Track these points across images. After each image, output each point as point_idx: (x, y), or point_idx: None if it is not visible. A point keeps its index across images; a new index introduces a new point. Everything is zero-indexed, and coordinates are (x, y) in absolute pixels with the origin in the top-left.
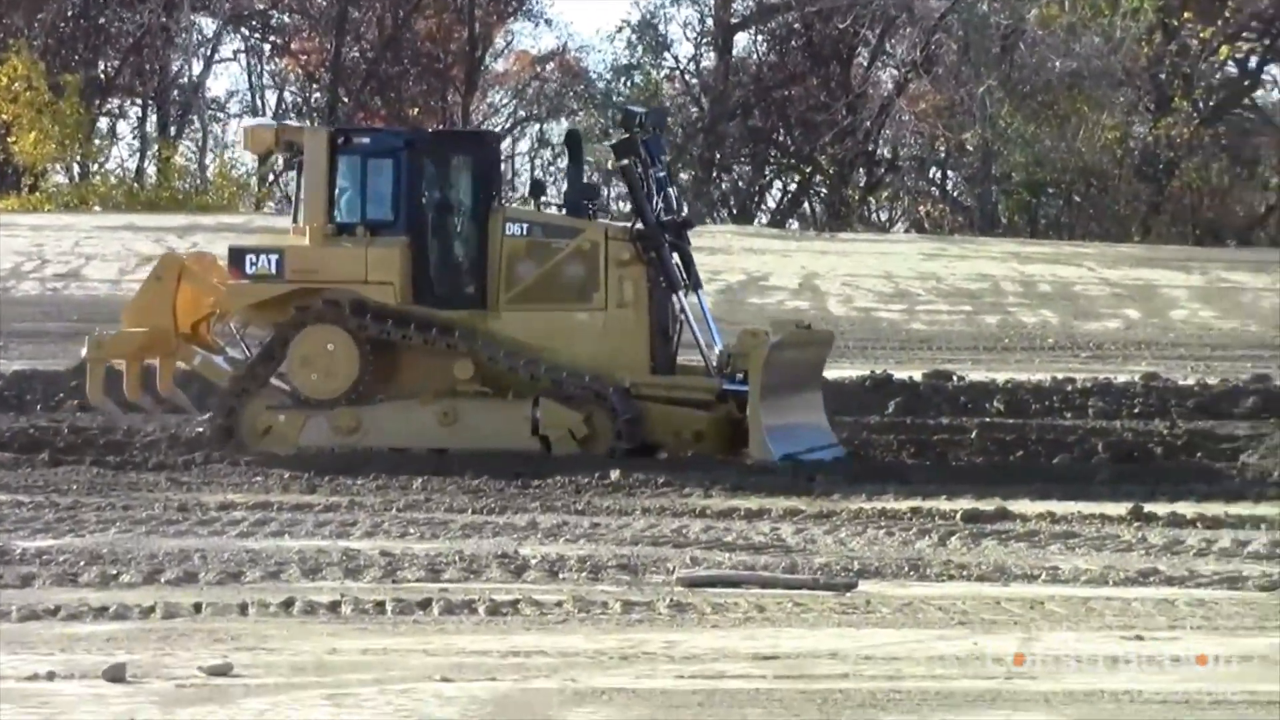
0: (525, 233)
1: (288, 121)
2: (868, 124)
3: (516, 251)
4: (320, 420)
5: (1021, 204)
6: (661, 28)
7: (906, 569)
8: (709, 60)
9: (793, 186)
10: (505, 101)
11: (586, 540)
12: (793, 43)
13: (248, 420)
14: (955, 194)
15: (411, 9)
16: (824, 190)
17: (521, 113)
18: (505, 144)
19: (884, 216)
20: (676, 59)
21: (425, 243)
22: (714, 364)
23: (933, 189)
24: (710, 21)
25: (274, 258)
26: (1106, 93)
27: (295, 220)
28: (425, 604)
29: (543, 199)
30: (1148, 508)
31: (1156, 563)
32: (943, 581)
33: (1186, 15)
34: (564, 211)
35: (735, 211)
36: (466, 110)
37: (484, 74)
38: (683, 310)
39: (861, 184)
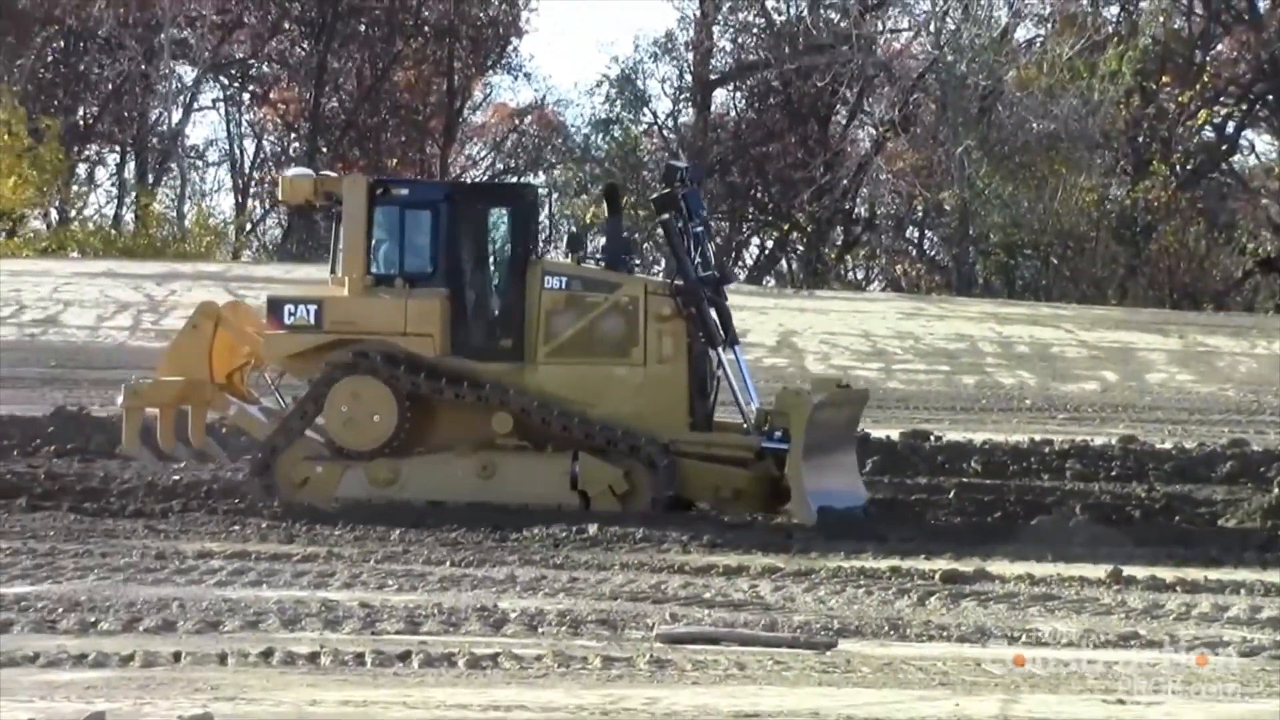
0: (564, 286)
1: (326, 173)
2: (845, 182)
3: (555, 305)
4: (358, 472)
5: (999, 265)
6: (641, 83)
7: (886, 629)
8: (687, 116)
9: (770, 243)
10: (484, 154)
11: (565, 594)
12: (771, 100)
13: (284, 471)
14: (932, 254)
15: (390, 61)
16: (801, 248)
17: (499, 165)
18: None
19: (860, 275)
20: (655, 114)
21: (464, 295)
22: (752, 421)
23: (910, 248)
24: (689, 78)
25: (313, 308)
26: (1084, 155)
27: (332, 271)
28: (405, 656)
29: (580, 253)
30: (1127, 570)
31: (1137, 626)
32: (923, 642)
33: (1164, 79)
34: (602, 265)
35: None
36: (444, 162)
37: (462, 126)
38: (721, 366)
39: (839, 242)
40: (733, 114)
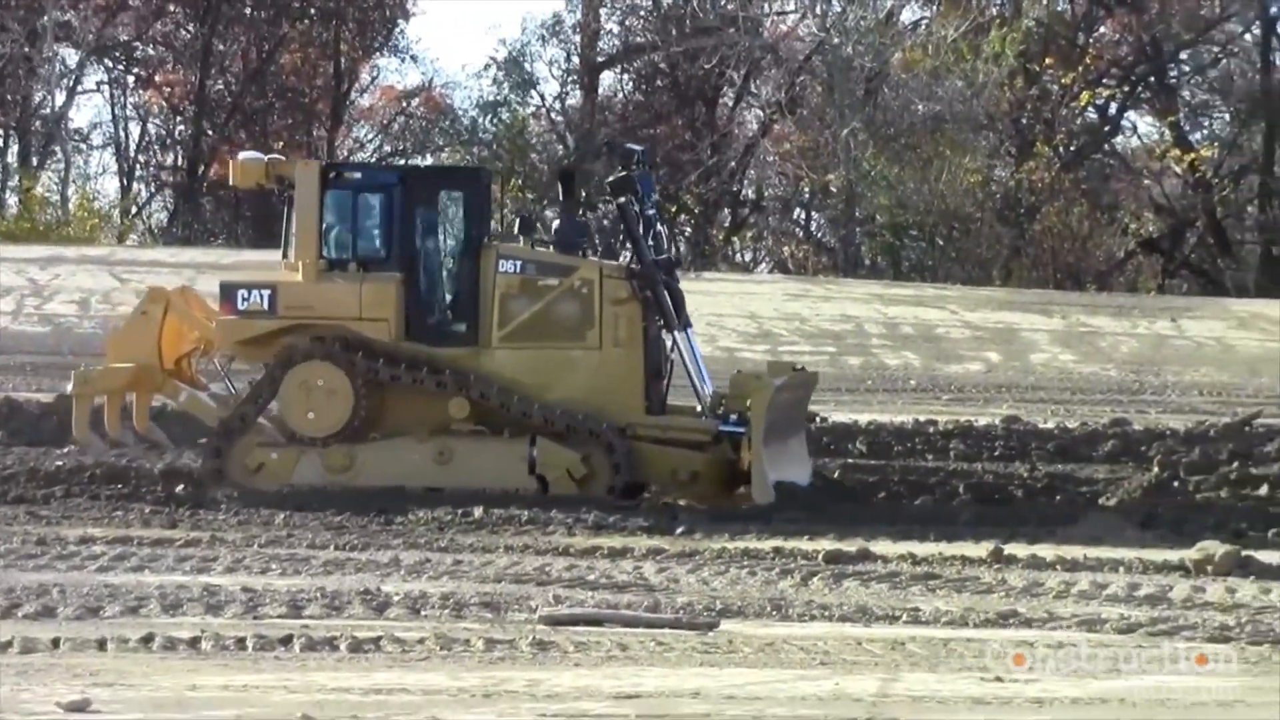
0: (519, 270)
1: (278, 156)
2: (732, 164)
3: (510, 289)
4: (313, 458)
5: (885, 246)
6: (528, 65)
7: (769, 609)
8: (575, 98)
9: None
10: (371, 137)
11: (449, 577)
12: (658, 82)
13: (238, 458)
14: (819, 235)
15: (277, 43)
16: (689, 230)
17: (387, 148)
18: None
19: (748, 257)
20: (543, 96)
21: (418, 279)
22: (707, 405)
23: (797, 230)
24: (577, 60)
25: (266, 293)
26: (969, 137)
27: (285, 255)
28: (286, 640)
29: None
30: (1008, 550)
31: (1016, 604)
32: (805, 622)
33: (1048, 61)
34: (556, 249)
35: (600, 249)
36: (331, 145)
37: (349, 109)
38: (676, 349)
39: (726, 224)
40: (620, 96)
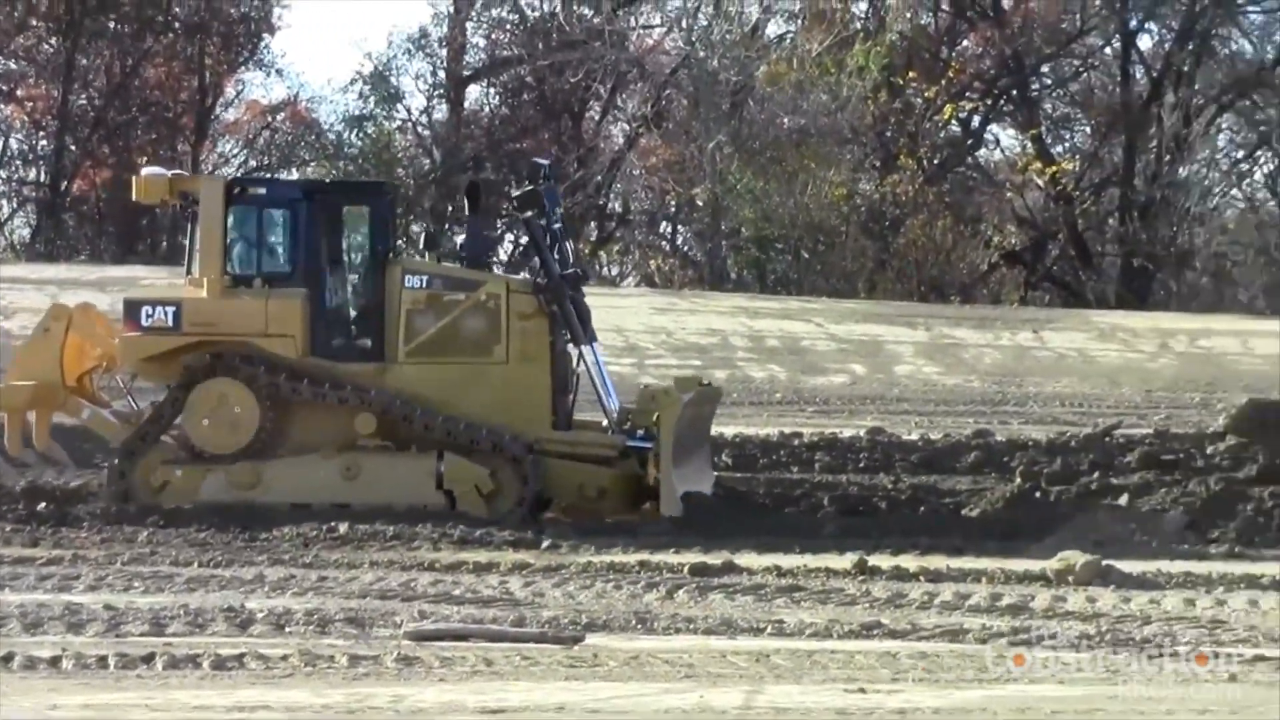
0: (425, 285)
1: (181, 172)
2: (599, 178)
3: (416, 304)
4: (219, 475)
5: (751, 259)
6: (394, 79)
7: (634, 622)
8: (441, 112)
9: (524, 240)
10: (236, 151)
11: (314, 593)
12: (525, 96)
13: (143, 476)
14: (685, 249)
15: (140, 57)
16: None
17: (253, 162)
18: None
19: (615, 270)
20: (409, 110)
21: (324, 295)
22: (614, 419)
23: (663, 243)
24: (443, 74)
25: (171, 310)
26: (833, 150)
27: (188, 271)
28: (149, 658)
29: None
30: (872, 561)
31: (880, 616)
32: (670, 635)
33: (911, 74)
34: (463, 264)
35: (467, 263)
36: (196, 159)
37: (214, 123)
38: (581, 362)
39: (593, 238)
40: (486, 110)
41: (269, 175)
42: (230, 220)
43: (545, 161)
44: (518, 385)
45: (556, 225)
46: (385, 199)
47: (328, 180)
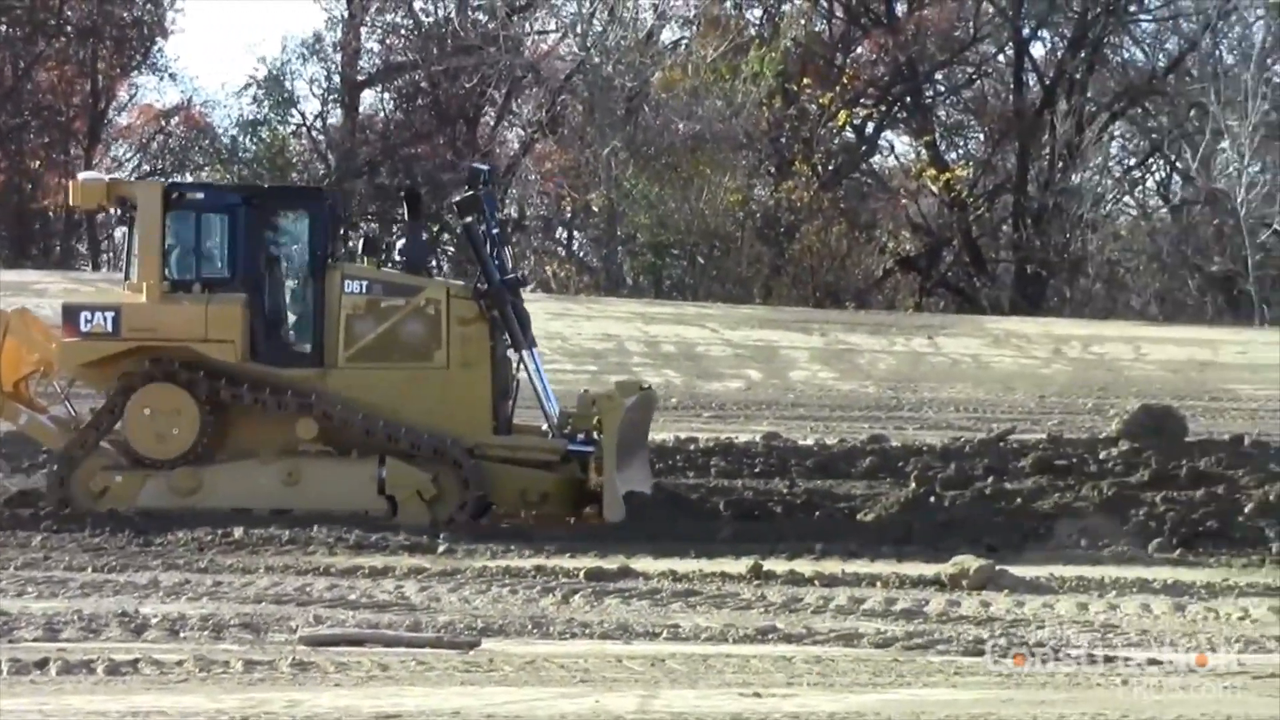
0: (365, 290)
1: (118, 176)
2: (494, 183)
3: (356, 309)
4: (159, 481)
5: (646, 265)
6: (288, 84)
7: (530, 627)
8: (336, 117)
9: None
10: (130, 155)
11: (209, 598)
12: (419, 101)
13: (83, 481)
14: (581, 254)
15: (32, 61)
16: (451, 249)
17: (146, 167)
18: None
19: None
20: (303, 115)
21: (263, 300)
22: (555, 424)
23: (559, 249)
24: (337, 79)
25: (110, 315)
26: (729, 156)
27: (126, 277)
28: (42, 664)
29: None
30: (767, 565)
31: (775, 620)
32: (565, 639)
33: (806, 81)
34: (402, 269)
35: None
36: (89, 164)
37: (107, 127)
38: (521, 367)
39: None
40: (381, 115)
41: (206, 180)
42: (168, 225)
43: (484, 167)
44: (458, 390)
45: (495, 230)
46: (324, 204)
47: (266, 185)
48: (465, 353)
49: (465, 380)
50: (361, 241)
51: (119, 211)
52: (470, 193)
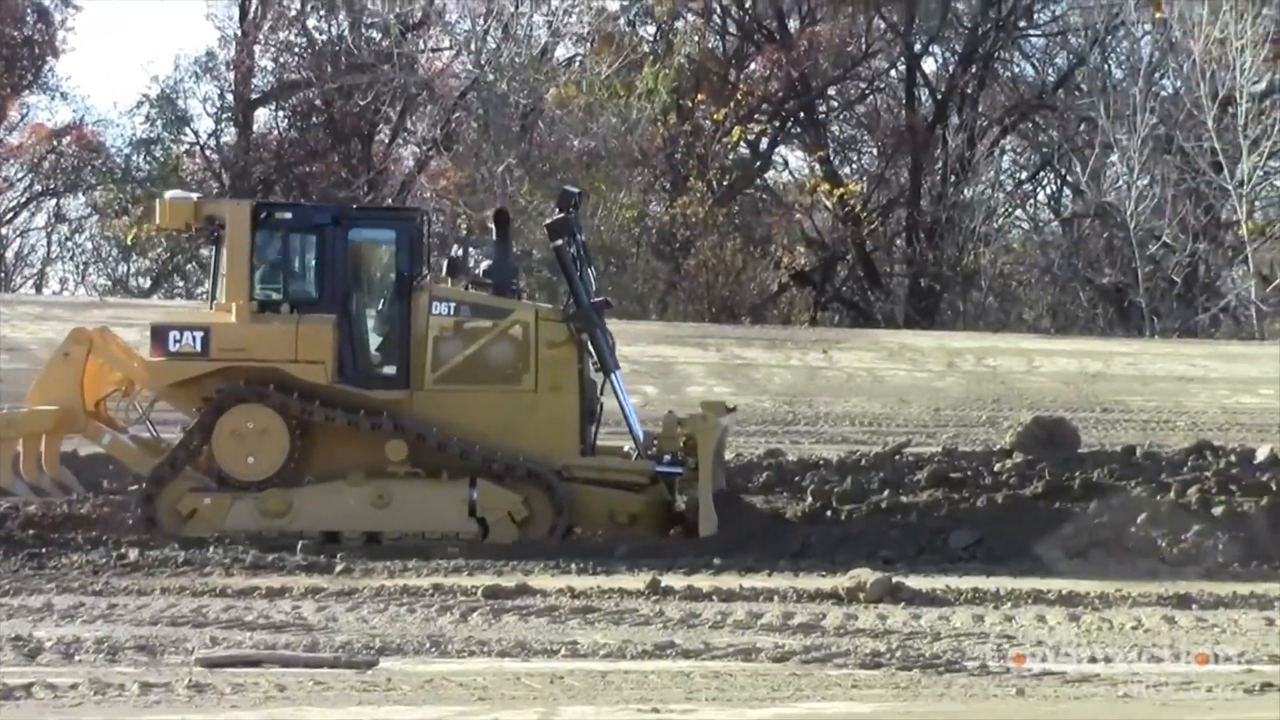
0: (452, 312)
1: (206, 196)
2: (389, 201)
3: (443, 331)
4: (248, 503)
5: (543, 281)
6: (181, 102)
7: (428, 645)
8: (230, 135)
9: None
10: (20, 175)
11: (104, 621)
12: (314, 119)
13: (169, 503)
14: (477, 272)
15: None
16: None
17: (38, 186)
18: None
19: None
20: (197, 134)
21: (351, 320)
22: (640, 445)
23: None
24: (230, 97)
25: (199, 335)
26: (623, 172)
27: (212, 297)
28: None
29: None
30: (665, 581)
31: (673, 635)
32: (464, 657)
33: (700, 97)
34: (492, 291)
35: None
36: None
37: None
38: (614, 391)
39: None
40: (275, 133)
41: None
42: (256, 245)
43: (575, 190)
44: (547, 413)
45: (581, 255)
46: (413, 224)
47: (355, 206)
48: (554, 376)
49: (554, 403)
50: (446, 263)
51: (208, 231)
52: (561, 215)
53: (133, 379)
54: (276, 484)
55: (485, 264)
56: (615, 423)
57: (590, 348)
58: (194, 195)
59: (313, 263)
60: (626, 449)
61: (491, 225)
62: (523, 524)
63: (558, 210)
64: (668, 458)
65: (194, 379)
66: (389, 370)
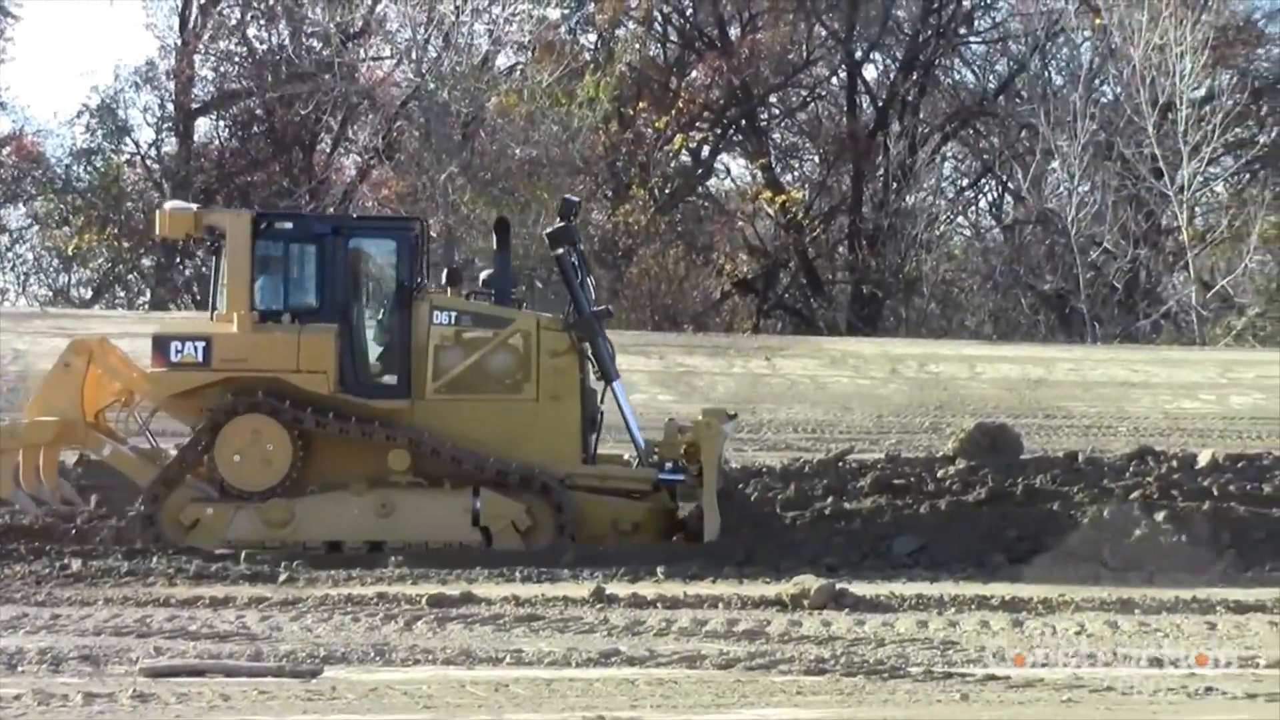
0: (453, 321)
1: (206, 206)
2: (331, 210)
3: (444, 340)
4: (250, 513)
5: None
6: (122, 112)
7: (372, 654)
8: (170, 145)
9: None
10: None
11: (47, 632)
12: (255, 128)
13: (171, 514)
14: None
15: None
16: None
17: None
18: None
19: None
20: (138, 144)
21: (352, 330)
22: (641, 453)
23: None
24: (171, 107)
25: (201, 345)
26: (565, 180)
27: (213, 307)
28: None
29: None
30: (610, 589)
31: (618, 643)
32: (408, 666)
33: (641, 105)
34: (494, 300)
35: (199, 297)
36: None
37: None
38: (615, 399)
39: None
40: (216, 143)
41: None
42: (257, 255)
43: (576, 199)
44: (548, 421)
45: (581, 263)
46: (412, 234)
47: (355, 215)
48: (556, 384)
49: (555, 412)
50: (445, 272)
51: (208, 241)
52: (562, 224)
53: (133, 390)
54: (279, 494)
55: (485, 273)
56: (609, 429)
57: (591, 356)
58: (194, 206)
59: (313, 272)
60: (626, 457)
61: (492, 234)
62: (526, 533)
63: (558, 219)
64: (669, 465)
65: (195, 389)
66: (390, 380)
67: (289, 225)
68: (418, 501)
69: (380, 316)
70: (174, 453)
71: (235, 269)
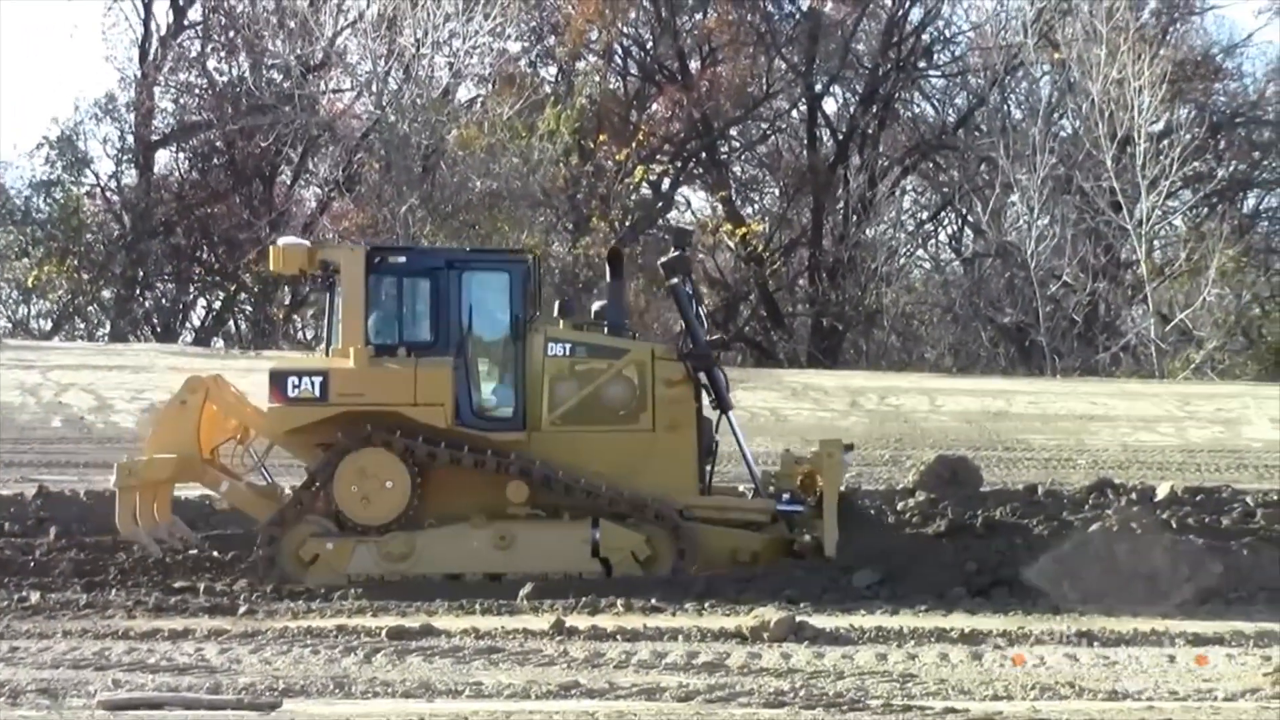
0: (568, 353)
1: (320, 241)
2: None
3: (560, 372)
4: (370, 547)
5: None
6: (82, 144)
7: (332, 687)
8: (130, 177)
9: (217, 304)
10: None
11: (4, 664)
12: (215, 161)
13: (291, 549)
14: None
15: None
16: (249, 308)
17: None
18: None
19: (310, 334)
20: (97, 175)
21: (467, 363)
22: (759, 483)
23: None
24: (131, 139)
25: (318, 380)
26: (526, 212)
27: (328, 342)
28: None
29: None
30: (569, 621)
31: (578, 676)
32: (368, 699)
33: (602, 138)
34: (606, 331)
35: (159, 329)
36: None
37: None
38: (731, 428)
39: (286, 302)
40: (176, 175)
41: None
42: (371, 289)
43: (691, 228)
44: (665, 452)
45: (693, 292)
46: (525, 266)
47: (468, 249)
48: (672, 415)
49: (671, 442)
50: (557, 304)
51: (321, 277)
52: (677, 253)
53: (249, 425)
54: (398, 527)
55: (598, 304)
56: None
57: (707, 385)
58: (306, 242)
59: (427, 306)
60: (742, 489)
61: (606, 264)
62: (645, 563)
63: (673, 248)
64: (786, 496)
65: (314, 424)
66: (506, 411)
67: (402, 259)
68: (537, 533)
69: (495, 349)
70: (289, 490)
71: (350, 304)
